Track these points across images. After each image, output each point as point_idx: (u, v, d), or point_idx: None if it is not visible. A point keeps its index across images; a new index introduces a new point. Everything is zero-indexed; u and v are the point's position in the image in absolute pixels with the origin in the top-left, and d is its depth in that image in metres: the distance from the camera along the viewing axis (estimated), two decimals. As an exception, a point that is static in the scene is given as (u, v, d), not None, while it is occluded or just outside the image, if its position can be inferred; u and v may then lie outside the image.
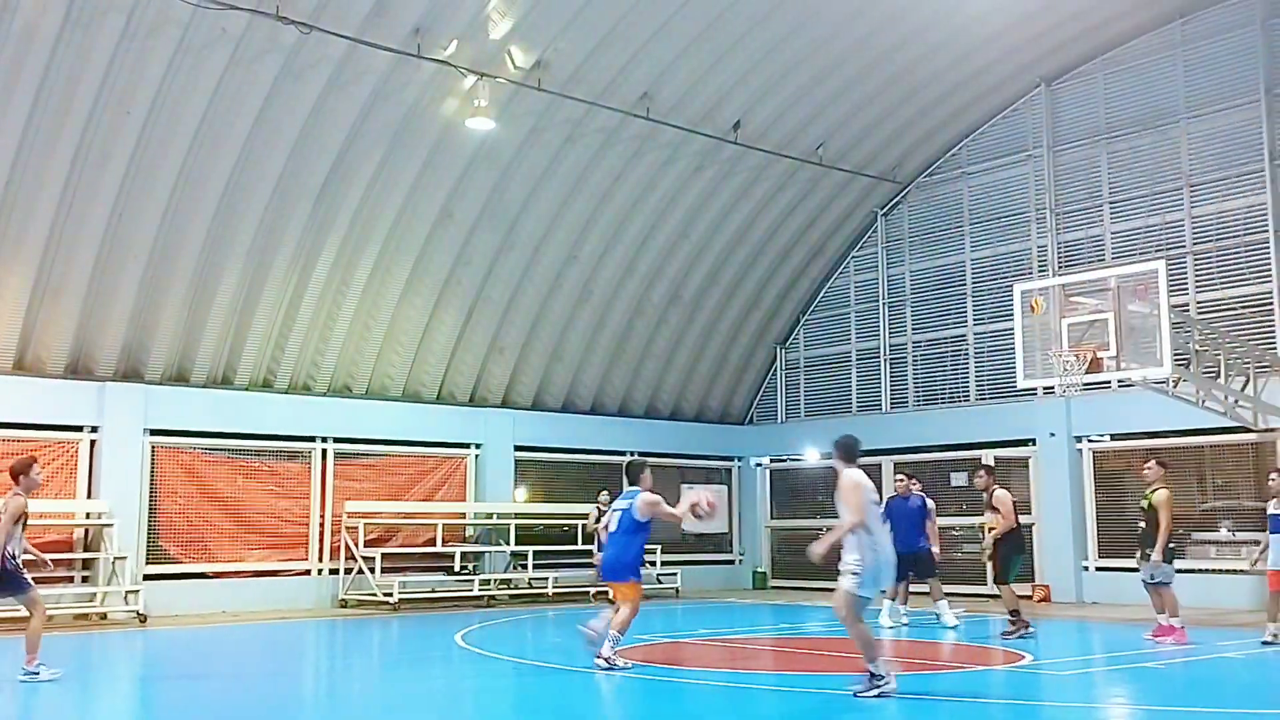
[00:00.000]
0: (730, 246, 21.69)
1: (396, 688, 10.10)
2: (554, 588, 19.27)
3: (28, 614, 9.93)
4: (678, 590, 20.67)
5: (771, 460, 23.77)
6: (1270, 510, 12.19)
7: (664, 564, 21.09)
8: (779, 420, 23.79)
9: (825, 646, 13.16)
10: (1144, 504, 12.54)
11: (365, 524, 18.33)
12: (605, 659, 9.97)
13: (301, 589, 17.98)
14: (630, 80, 17.76)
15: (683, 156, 19.63)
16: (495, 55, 16.44)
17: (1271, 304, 17.08)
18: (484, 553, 19.71)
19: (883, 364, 22.15)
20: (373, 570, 17.71)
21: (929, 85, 19.80)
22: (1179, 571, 12.91)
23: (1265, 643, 11.92)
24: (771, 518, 23.65)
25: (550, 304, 20.48)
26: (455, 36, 15.87)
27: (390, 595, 17.38)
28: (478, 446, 20.32)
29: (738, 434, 23.91)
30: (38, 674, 9.55)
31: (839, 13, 17.70)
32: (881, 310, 22.28)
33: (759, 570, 23.25)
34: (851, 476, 8.90)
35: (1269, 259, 17.19)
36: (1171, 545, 12.40)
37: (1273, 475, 12.40)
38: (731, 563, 23.45)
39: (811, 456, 22.75)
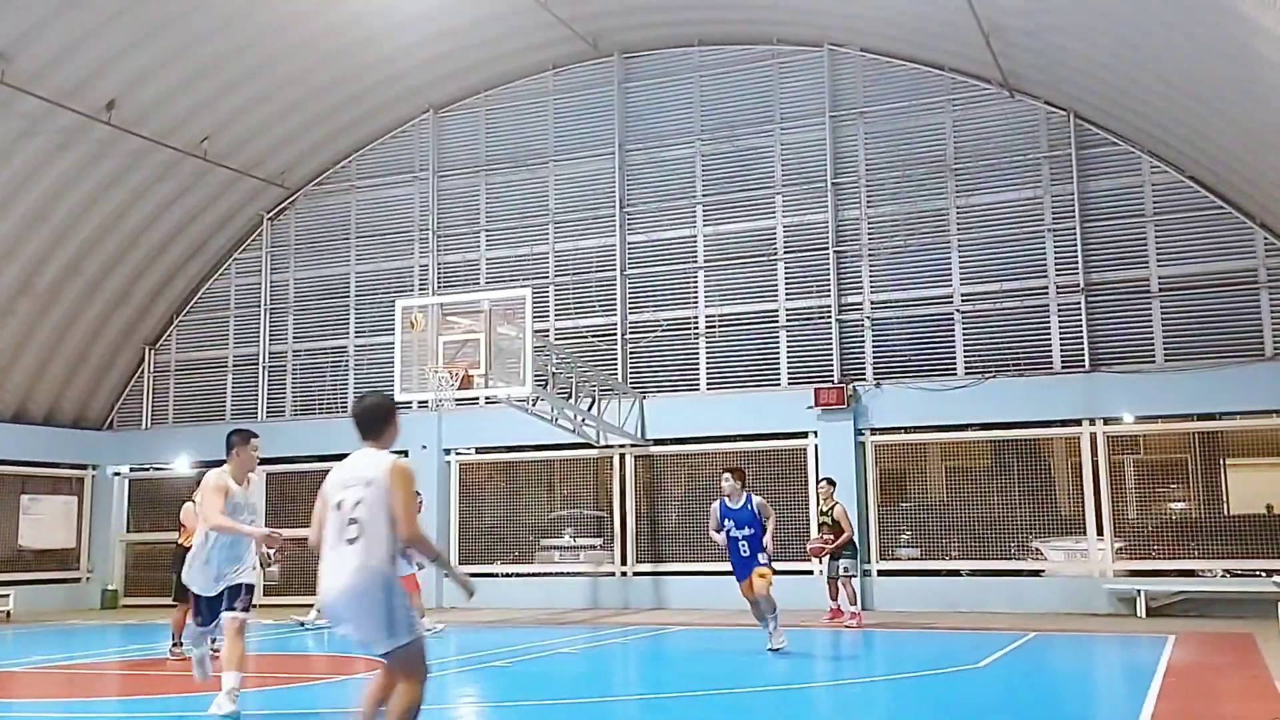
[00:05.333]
0: (97, 236, 19.83)
1: None
2: None
3: None
4: (9, 614, 18.34)
5: (132, 469, 22.05)
6: None
7: (-6, 586, 18.63)
8: (144, 426, 22.16)
9: (175, 667, 12.47)
10: (828, 519, 15.28)
11: None
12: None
13: None
14: (-19, 35, 15.61)
15: (44, 131, 17.63)
16: None
17: (616, 334, 19.36)
18: None
19: (261, 371, 21.59)
20: None
21: (320, 95, 19.77)
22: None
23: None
24: (128, 530, 21.91)
25: None
26: None
27: None
28: None
29: (94, 440, 21.86)
30: None
31: (234, 2, 17.03)
32: (263, 316, 21.73)
33: (109, 588, 21.39)
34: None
35: (615, 294, 19.47)
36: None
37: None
38: (78, 580, 21.32)
39: (180, 464, 21.49)
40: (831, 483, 15.73)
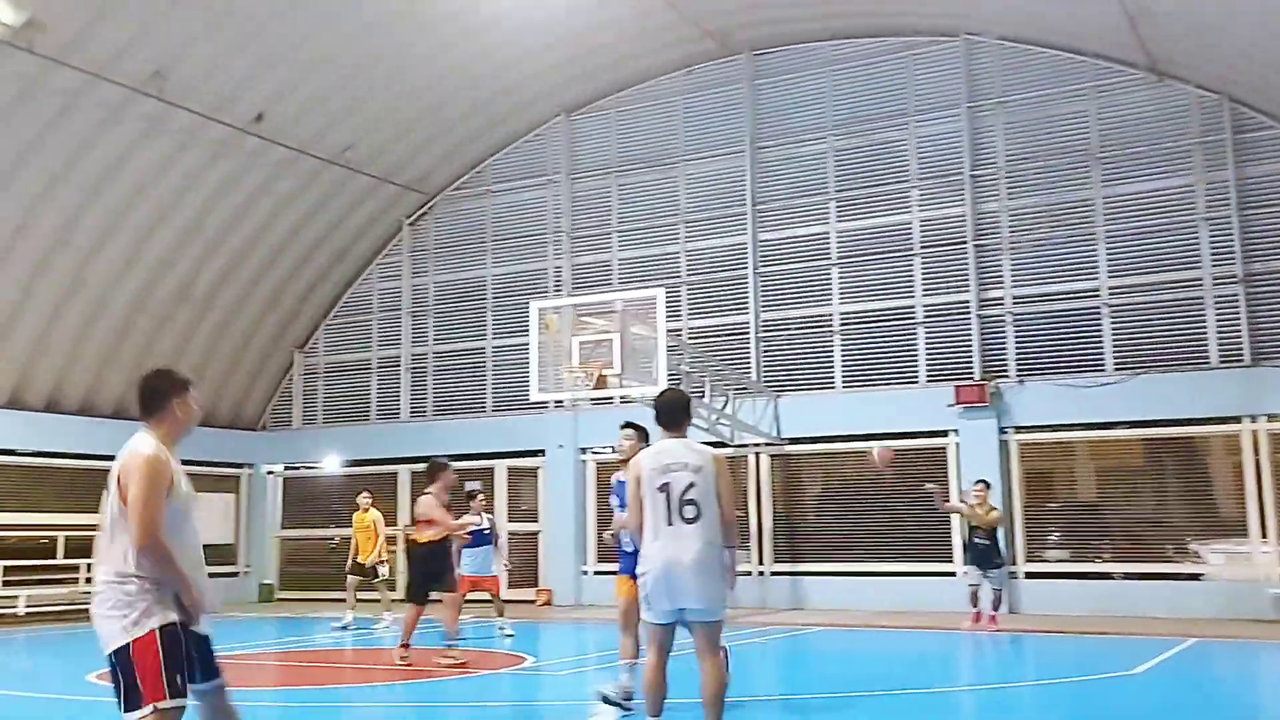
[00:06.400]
0: (248, 244, 20.70)
1: None
2: (26, 607, 17.27)
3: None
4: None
5: (285, 468, 22.94)
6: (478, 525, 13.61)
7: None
8: (295, 426, 23.03)
9: (333, 659, 12.92)
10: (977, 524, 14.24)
11: None
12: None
13: None
14: (141, 54, 16.42)
15: (198, 144, 18.45)
16: (-22, 7, 14.49)
17: (749, 333, 19.26)
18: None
19: (403, 373, 22.20)
20: None
21: (456, 101, 20.20)
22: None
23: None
24: (282, 527, 22.81)
25: (34, 292, 18.34)
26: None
27: None
28: (-65, 449, 17.73)
29: (250, 440, 22.82)
30: None
31: (371, 13, 17.50)
32: (404, 319, 22.34)
33: (265, 582, 22.31)
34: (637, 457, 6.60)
35: (747, 292, 19.38)
36: None
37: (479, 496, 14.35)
38: (236, 575, 22.31)
39: (330, 463, 22.27)
40: (987, 485, 14.66)
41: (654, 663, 6.29)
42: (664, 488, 6.17)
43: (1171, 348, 16.58)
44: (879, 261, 18.65)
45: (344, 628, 15.19)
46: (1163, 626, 14.18)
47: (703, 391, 17.19)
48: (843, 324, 18.72)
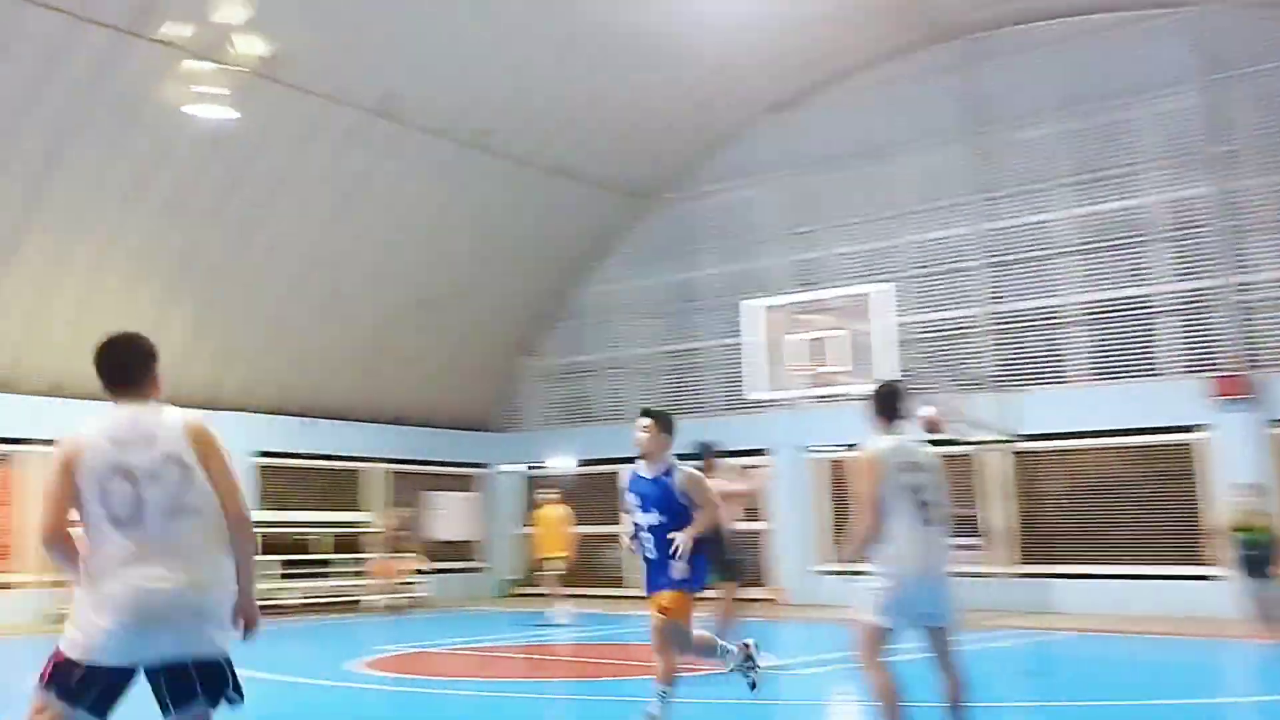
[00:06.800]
0: (480, 253, 21.57)
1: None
2: (302, 599, 19.01)
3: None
4: (417, 600, 20.37)
5: (530, 467, 23.78)
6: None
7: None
8: (527, 428, 23.86)
9: (574, 653, 13.30)
10: (1260, 535, 12.63)
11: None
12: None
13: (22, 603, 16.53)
14: (376, 80, 17.39)
15: (428, 162, 19.37)
16: (229, 41, 15.69)
17: (976, 327, 18.60)
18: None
19: (626, 374, 22.61)
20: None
21: (669, 105, 20.30)
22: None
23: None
24: (522, 525, 23.66)
25: (292, 306, 19.73)
26: (184, 19, 15.04)
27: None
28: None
29: (486, 441, 23.82)
30: None
31: (583, 25, 17.78)
32: (625, 321, 22.75)
33: (506, 578, 23.21)
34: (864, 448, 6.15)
35: (973, 285, 18.72)
36: None
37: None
38: (479, 570, 23.34)
39: (560, 463, 22.94)
40: (1260, 489, 13.17)
41: (886, 670, 6.06)
42: (909, 487, 5.95)
43: None
44: (1118, 247, 17.66)
45: (562, 624, 15.65)
46: None
47: (930, 388, 16.74)
48: (1079, 314, 17.82)
